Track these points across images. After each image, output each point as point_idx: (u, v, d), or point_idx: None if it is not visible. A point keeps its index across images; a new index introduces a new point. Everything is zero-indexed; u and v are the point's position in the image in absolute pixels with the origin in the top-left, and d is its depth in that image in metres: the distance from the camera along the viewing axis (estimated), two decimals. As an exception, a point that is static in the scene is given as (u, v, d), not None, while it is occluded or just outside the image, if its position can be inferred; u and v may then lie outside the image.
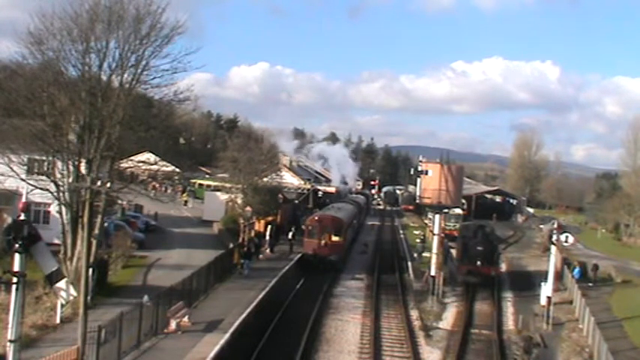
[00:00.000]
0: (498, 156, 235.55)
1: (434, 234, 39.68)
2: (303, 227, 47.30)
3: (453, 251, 48.73)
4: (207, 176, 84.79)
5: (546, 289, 32.61)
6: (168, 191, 73.69)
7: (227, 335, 24.09)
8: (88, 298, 21.25)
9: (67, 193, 28.49)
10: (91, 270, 23.77)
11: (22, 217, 12.27)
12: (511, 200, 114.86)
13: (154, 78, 29.50)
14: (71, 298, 14.10)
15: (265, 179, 56.10)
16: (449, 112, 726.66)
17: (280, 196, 56.69)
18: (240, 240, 42.69)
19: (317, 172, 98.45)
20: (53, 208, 33.55)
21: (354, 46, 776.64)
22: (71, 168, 28.52)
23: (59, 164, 29.13)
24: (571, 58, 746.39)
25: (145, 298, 23.76)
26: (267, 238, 45.60)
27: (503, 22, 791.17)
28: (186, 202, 72.06)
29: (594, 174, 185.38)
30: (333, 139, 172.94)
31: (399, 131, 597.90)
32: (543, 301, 32.79)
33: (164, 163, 39.17)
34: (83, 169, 28.27)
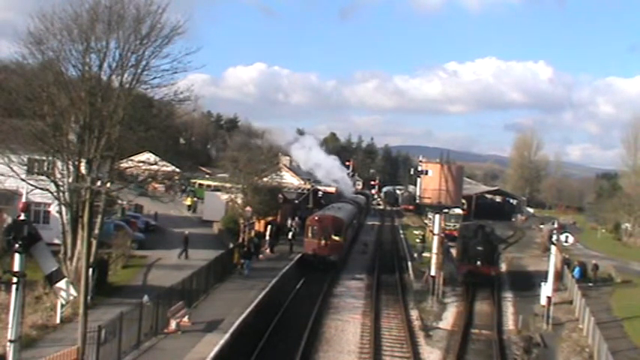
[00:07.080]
0: (497, 156, 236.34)
1: (434, 234, 39.66)
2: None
3: (453, 251, 48.75)
4: (207, 176, 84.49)
5: (546, 289, 32.60)
6: (171, 193, 71.11)
7: (227, 335, 24.09)
8: (88, 298, 21.24)
9: (67, 193, 28.47)
10: (91, 270, 23.77)
11: (22, 217, 12.26)
12: (511, 200, 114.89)
13: (154, 78, 29.53)
14: (71, 298, 14.07)
15: (265, 179, 56.03)
16: (444, 112, 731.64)
17: (280, 196, 56.63)
18: (240, 240, 42.65)
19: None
20: (53, 208, 33.55)
21: (347, 46, 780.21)
22: (71, 168, 28.50)
23: (59, 164, 29.11)
24: (564, 59, 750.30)
25: (145, 298, 23.75)
26: (267, 238, 45.61)
27: (495, 23, 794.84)
28: (189, 206, 65.66)
29: (591, 173, 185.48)
30: (333, 139, 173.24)
31: (396, 131, 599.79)
32: (543, 301, 32.78)
33: (164, 163, 39.14)
34: (83, 169, 28.27)
